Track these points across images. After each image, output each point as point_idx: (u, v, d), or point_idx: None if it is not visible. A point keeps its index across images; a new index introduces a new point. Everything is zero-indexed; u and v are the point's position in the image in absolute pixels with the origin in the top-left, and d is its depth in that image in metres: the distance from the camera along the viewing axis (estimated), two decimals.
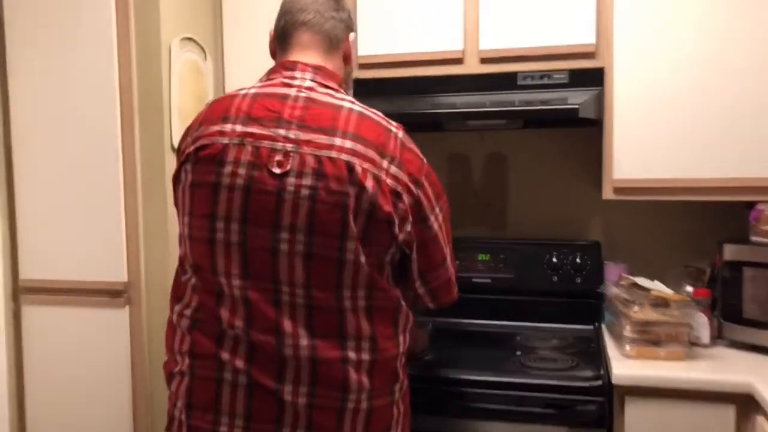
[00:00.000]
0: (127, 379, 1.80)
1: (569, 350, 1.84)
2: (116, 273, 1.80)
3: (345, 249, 1.17)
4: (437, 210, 1.29)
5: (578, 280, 2.06)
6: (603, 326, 1.99)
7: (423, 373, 1.67)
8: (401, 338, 1.28)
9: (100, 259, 1.80)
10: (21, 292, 1.87)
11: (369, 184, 1.16)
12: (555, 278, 2.08)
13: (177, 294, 1.30)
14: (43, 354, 1.86)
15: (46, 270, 1.85)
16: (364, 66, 1.97)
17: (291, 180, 1.16)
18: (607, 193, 1.86)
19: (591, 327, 2.04)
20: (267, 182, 1.17)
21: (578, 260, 2.07)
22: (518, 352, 1.83)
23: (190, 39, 1.89)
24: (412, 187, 1.22)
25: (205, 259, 1.21)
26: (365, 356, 1.21)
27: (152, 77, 1.78)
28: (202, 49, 1.97)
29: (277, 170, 1.17)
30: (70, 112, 1.80)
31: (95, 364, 1.82)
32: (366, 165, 1.17)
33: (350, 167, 1.16)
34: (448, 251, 1.35)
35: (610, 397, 1.60)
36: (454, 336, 2.04)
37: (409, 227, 1.23)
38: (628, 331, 1.69)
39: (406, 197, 1.21)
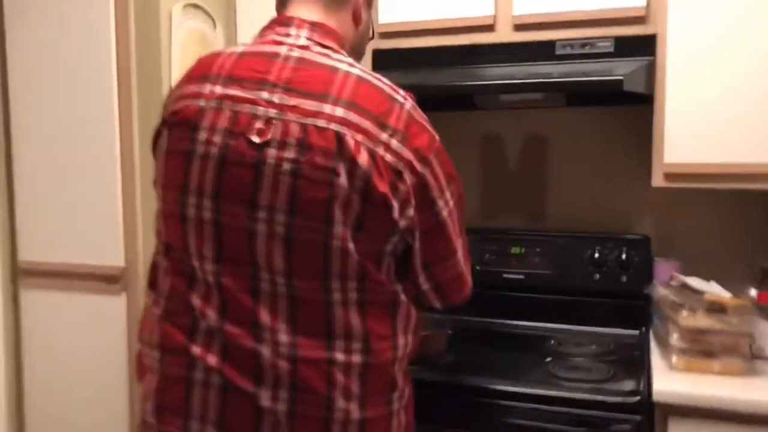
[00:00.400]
0: (124, 366, 1.76)
1: (608, 358, 1.65)
2: (113, 257, 1.74)
3: (331, 234, 1.02)
4: (447, 194, 1.13)
5: (624, 279, 1.86)
6: (651, 332, 1.78)
7: (433, 378, 1.52)
8: (401, 340, 1.13)
9: (97, 243, 1.75)
10: (20, 275, 1.84)
11: (362, 159, 1.01)
12: (597, 276, 1.89)
13: (151, 277, 1.19)
14: (40, 338, 1.84)
15: (43, 252, 1.81)
16: (384, 35, 1.81)
17: (272, 151, 1.02)
18: (657, 180, 1.65)
19: (636, 332, 1.84)
20: (244, 153, 1.03)
21: (624, 256, 1.86)
22: (548, 359, 1.65)
23: (195, 5, 1.77)
24: (417, 165, 1.07)
25: (177, 237, 1.09)
26: (356, 358, 1.07)
27: (150, 49, 1.68)
28: (210, 16, 1.84)
29: (256, 139, 1.03)
30: (66, 90, 1.74)
31: (92, 350, 1.79)
32: (359, 137, 1.02)
33: (340, 138, 1.01)
34: (459, 243, 1.19)
35: (651, 417, 1.40)
36: (479, 337, 1.87)
37: (411, 212, 1.07)
38: (675, 340, 1.49)
39: (408, 176, 1.05)
